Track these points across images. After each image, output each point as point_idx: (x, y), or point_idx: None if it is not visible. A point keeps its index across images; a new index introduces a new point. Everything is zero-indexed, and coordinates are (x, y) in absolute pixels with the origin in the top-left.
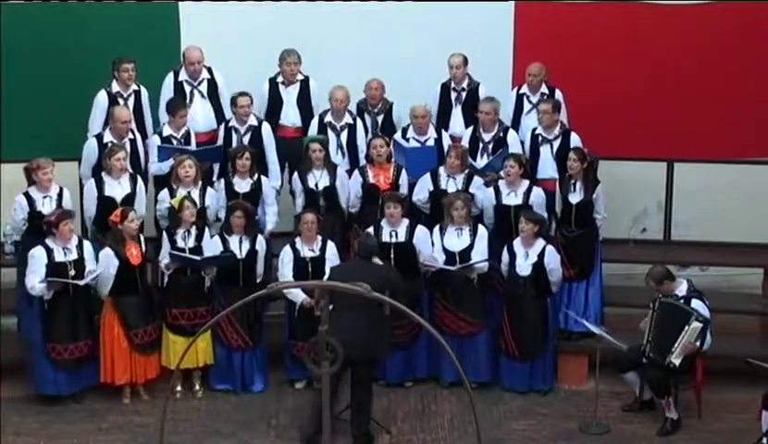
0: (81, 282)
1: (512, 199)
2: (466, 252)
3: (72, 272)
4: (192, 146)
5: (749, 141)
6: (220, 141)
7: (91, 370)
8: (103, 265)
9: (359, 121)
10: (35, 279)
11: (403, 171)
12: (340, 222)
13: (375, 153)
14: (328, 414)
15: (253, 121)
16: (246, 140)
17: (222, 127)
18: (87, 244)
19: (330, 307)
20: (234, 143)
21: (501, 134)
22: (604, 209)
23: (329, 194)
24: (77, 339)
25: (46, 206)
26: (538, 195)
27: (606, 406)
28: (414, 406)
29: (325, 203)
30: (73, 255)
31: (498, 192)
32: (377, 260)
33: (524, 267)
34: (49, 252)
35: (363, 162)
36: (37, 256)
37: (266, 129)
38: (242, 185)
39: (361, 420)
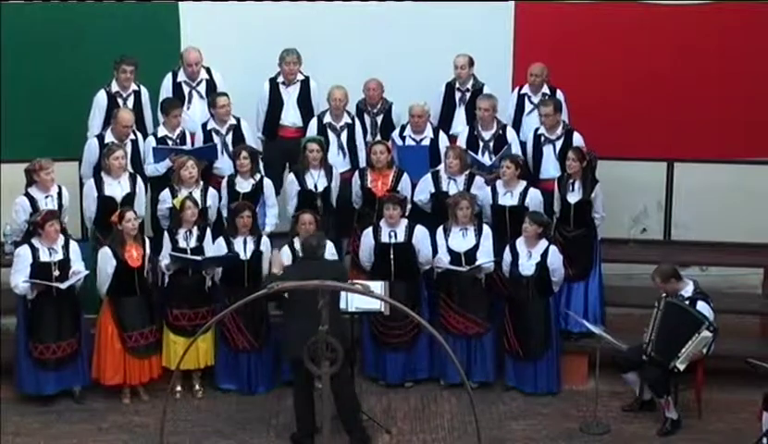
0: (63, 285)
1: (507, 199)
2: (472, 253)
3: (56, 273)
4: (188, 146)
5: (749, 142)
6: (200, 145)
7: (75, 370)
8: (100, 264)
9: (357, 121)
10: (19, 278)
11: (405, 176)
12: (335, 223)
13: (375, 158)
14: (328, 414)
15: (232, 120)
16: (229, 139)
17: (200, 130)
18: (74, 245)
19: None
20: (219, 145)
21: (501, 131)
22: (603, 208)
23: (328, 195)
24: (60, 339)
25: (48, 206)
26: (534, 197)
27: (606, 406)
28: (415, 406)
29: (323, 204)
30: (59, 256)
31: (495, 192)
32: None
33: (527, 267)
34: (34, 251)
35: (362, 162)
36: (22, 256)
37: (245, 125)
38: (244, 185)
39: (353, 418)
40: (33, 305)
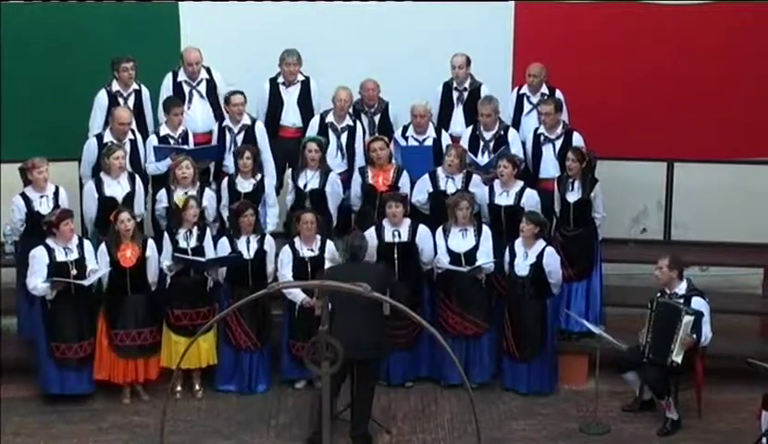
0: (86, 282)
1: (503, 199)
2: (472, 253)
3: (74, 271)
4: (190, 146)
5: (749, 141)
6: (214, 142)
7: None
8: (100, 261)
9: (359, 124)
10: (37, 280)
11: (404, 173)
12: (326, 226)
13: (375, 155)
14: (328, 414)
15: (246, 120)
16: (240, 139)
17: (216, 127)
18: (88, 244)
19: (330, 307)
20: (228, 143)
21: (502, 132)
22: (603, 208)
23: (316, 197)
24: (81, 339)
25: (43, 206)
26: (530, 197)
27: (606, 406)
28: (415, 406)
29: (311, 206)
30: (74, 255)
31: (491, 192)
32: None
33: (522, 267)
34: (50, 252)
35: (362, 163)
36: (38, 257)
37: (260, 127)
38: (245, 185)
39: (361, 420)
40: (52, 305)
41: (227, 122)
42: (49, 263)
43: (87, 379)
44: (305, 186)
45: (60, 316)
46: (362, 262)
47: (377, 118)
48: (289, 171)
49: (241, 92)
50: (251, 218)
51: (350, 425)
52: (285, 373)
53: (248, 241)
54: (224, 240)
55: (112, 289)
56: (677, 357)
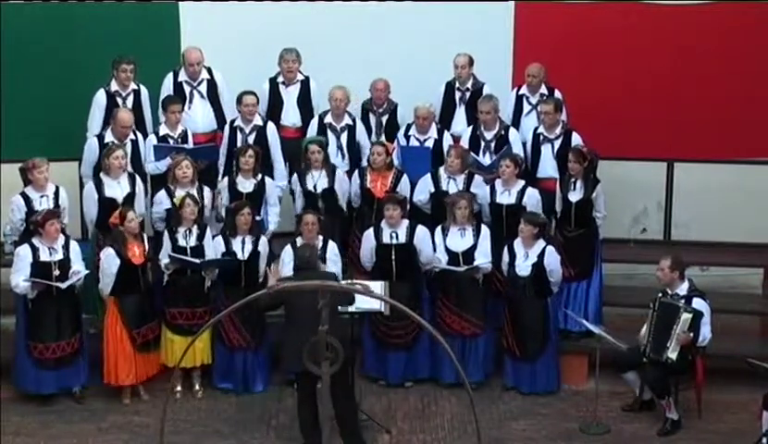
0: (63, 285)
1: (505, 198)
2: (470, 253)
3: (56, 272)
4: (190, 145)
5: (749, 141)
6: (225, 141)
7: (75, 370)
8: (104, 265)
9: (359, 122)
10: (19, 277)
11: (404, 178)
12: (339, 224)
13: (372, 159)
14: (328, 414)
15: (258, 121)
16: (251, 139)
17: (227, 126)
18: (74, 245)
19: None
20: (239, 143)
21: (503, 132)
22: (604, 208)
23: (328, 196)
24: (60, 339)
25: (43, 206)
26: (531, 196)
27: (606, 406)
28: (414, 406)
29: (324, 205)
30: (59, 255)
31: (493, 190)
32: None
33: (523, 268)
34: (35, 251)
35: (364, 162)
36: (22, 255)
37: (272, 128)
38: (246, 185)
39: (350, 425)
40: (33, 305)
41: (238, 122)
42: (33, 261)
43: (63, 379)
44: (315, 187)
45: (41, 316)
46: (314, 270)
47: (384, 119)
48: (294, 176)
49: (253, 93)
50: (247, 217)
51: (341, 433)
52: (288, 373)
53: (243, 242)
54: (219, 239)
55: (121, 289)
56: (673, 354)
